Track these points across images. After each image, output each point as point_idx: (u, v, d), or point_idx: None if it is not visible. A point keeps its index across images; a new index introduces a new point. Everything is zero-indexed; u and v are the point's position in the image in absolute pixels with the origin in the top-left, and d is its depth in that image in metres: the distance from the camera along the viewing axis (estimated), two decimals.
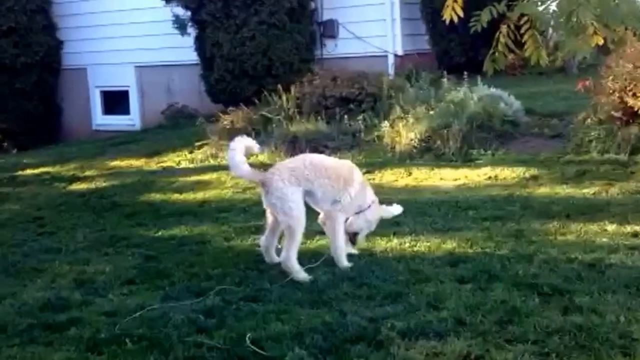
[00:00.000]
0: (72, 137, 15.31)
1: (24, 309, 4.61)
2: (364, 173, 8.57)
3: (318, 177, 5.05)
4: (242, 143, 5.09)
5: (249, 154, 5.20)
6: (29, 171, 10.90)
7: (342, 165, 5.34)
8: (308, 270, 4.94)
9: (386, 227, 6.06)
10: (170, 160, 10.67)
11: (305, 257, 5.13)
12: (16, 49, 14.96)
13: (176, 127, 13.41)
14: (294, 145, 10.15)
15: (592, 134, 8.18)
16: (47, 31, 15.44)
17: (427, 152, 8.95)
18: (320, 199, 5.12)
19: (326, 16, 13.38)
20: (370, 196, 5.31)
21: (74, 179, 9.88)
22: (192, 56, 13.52)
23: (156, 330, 4.06)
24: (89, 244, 6.34)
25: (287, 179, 4.97)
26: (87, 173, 10.18)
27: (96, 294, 4.84)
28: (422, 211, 6.59)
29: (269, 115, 11.00)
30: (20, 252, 6.21)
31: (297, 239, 4.97)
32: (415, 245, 5.48)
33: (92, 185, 9.37)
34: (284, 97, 11.12)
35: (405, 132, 9.24)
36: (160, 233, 6.62)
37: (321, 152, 9.90)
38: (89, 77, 15.88)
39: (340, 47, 13.24)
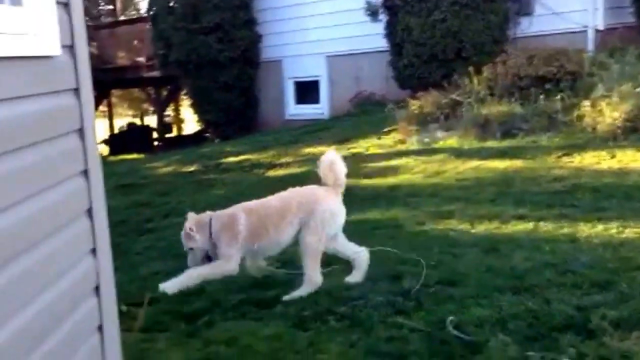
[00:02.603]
0: (268, 127, 16.10)
1: (234, 286, 4.90)
2: (561, 155, 8.23)
3: None
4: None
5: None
6: (231, 159, 11.63)
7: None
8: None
9: (589, 212, 5.77)
10: (360, 146, 10.86)
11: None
12: (220, 44, 15.92)
13: (364, 114, 13.63)
14: (485, 128, 9.92)
15: None
16: (248, 26, 16.27)
17: (633, 133, 8.33)
18: None
19: None
20: None
21: (272, 165, 10.40)
22: (380, 43, 13.65)
23: (357, 310, 4.17)
24: None
25: None
26: (283, 160, 10.66)
27: (299, 274, 5.05)
28: (629, 195, 6.18)
29: (459, 99, 10.83)
30: None
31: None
32: (623, 232, 5.15)
33: (288, 172, 9.80)
34: (474, 80, 10.89)
35: (608, 112, 8.67)
36: (353, 217, 6.74)
37: (514, 135, 9.61)
38: (283, 69, 16.59)
39: (536, 25, 12.66)
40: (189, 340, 4.05)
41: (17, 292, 2.07)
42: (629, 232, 5.11)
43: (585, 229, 5.32)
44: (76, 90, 2.53)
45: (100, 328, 2.69)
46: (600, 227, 5.33)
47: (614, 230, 5.21)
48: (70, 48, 2.48)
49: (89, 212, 2.60)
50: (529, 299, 4.03)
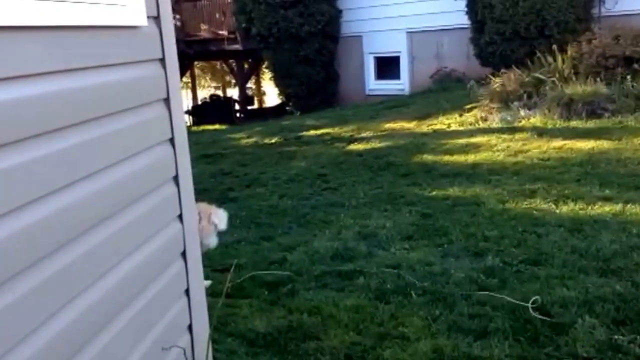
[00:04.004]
0: (348, 101, 16.12)
1: (316, 257, 5.00)
2: None
3: None
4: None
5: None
6: (312, 132, 11.72)
7: None
8: None
9: None
10: (440, 122, 10.77)
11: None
12: (301, 19, 15.99)
13: (444, 91, 13.47)
14: (569, 108, 9.67)
15: None
16: (328, 1, 16.28)
17: None
18: None
19: None
20: None
21: (352, 139, 10.43)
22: (461, 20, 13.45)
23: (439, 285, 4.20)
24: (368, 200, 6.70)
25: None
26: (363, 134, 10.67)
27: (379, 247, 5.11)
28: None
29: (542, 77, 10.58)
30: (309, 205, 6.75)
31: None
32: None
33: (368, 146, 9.82)
34: (559, 58, 10.63)
35: None
36: (434, 193, 6.76)
37: (599, 115, 9.33)
38: (363, 44, 16.55)
39: (621, 4, 12.25)
40: (272, 307, 4.13)
41: (110, 251, 2.17)
42: None
43: None
44: (162, 60, 2.59)
45: (187, 291, 2.77)
46: None
47: None
48: (156, 19, 2.54)
49: (176, 178, 2.68)
50: (616, 282, 3.96)
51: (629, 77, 9.55)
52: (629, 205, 5.53)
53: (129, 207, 2.32)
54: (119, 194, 2.25)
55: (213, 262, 4.92)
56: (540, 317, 3.58)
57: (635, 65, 9.77)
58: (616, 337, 3.28)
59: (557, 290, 3.91)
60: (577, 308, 3.64)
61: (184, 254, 2.76)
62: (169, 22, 2.65)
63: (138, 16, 2.38)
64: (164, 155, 2.62)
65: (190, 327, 2.79)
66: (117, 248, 2.23)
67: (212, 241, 4.45)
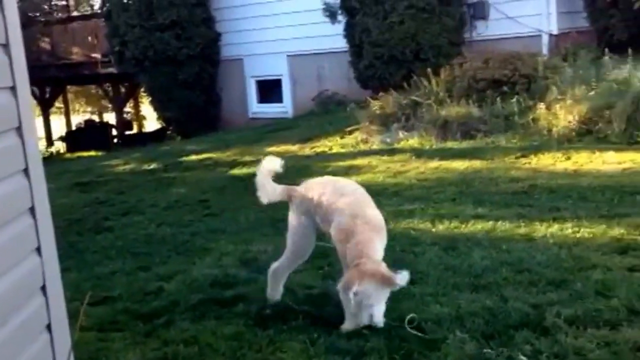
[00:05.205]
0: (231, 125, 16.06)
1: (194, 285, 4.89)
2: (519, 157, 8.37)
3: None
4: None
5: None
6: (193, 157, 11.56)
7: None
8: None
9: (545, 212, 5.89)
10: (323, 145, 10.91)
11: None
12: (179, 42, 15.86)
13: (326, 114, 13.68)
14: (445, 129, 10.05)
15: None
16: (206, 24, 16.27)
17: (587, 135, 8.56)
18: None
19: None
20: None
21: (235, 164, 10.36)
22: (341, 43, 13.72)
23: (319, 308, 4.19)
24: (250, 225, 6.64)
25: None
26: (246, 158, 10.63)
27: (260, 272, 5.02)
28: (583, 196, 6.32)
29: (419, 100, 10.95)
30: (188, 232, 6.62)
31: None
32: (578, 232, 5.26)
33: (251, 170, 9.67)
34: (433, 81, 11.03)
35: (563, 114, 8.88)
36: None
37: (473, 136, 9.75)
38: (245, 68, 16.56)
39: (491, 29, 12.90)
40: (147, 340, 4.01)
41: None
42: (584, 232, 5.23)
43: (542, 229, 5.43)
44: (12, 89, 2.53)
45: (49, 327, 2.69)
46: (555, 226, 5.44)
47: (569, 230, 5.32)
48: (4, 46, 2.48)
49: (32, 210, 2.61)
50: (486, 297, 4.10)
51: (498, 99, 10.04)
52: (499, 222, 5.77)
53: None
54: None
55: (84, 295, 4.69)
56: (417, 333, 3.63)
57: (504, 88, 10.29)
58: (485, 350, 3.38)
59: (431, 307, 4.01)
60: (449, 324, 3.74)
61: (43, 288, 2.66)
62: (19, 49, 2.57)
63: None
64: (17, 187, 2.53)
65: None
66: None
67: None
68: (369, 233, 3.89)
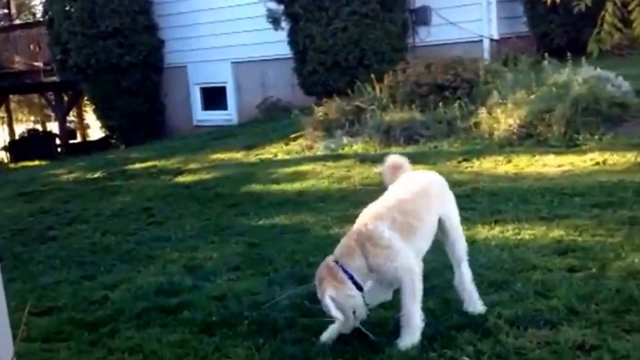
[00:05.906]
0: (175, 133, 15.92)
1: (139, 293, 4.85)
2: (461, 161, 8.53)
3: None
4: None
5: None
6: (137, 165, 11.43)
7: None
8: None
9: (487, 215, 6.01)
10: (268, 152, 10.92)
11: None
12: (121, 49, 15.66)
13: (271, 120, 13.69)
14: (388, 135, 10.16)
15: None
16: (149, 31, 16.13)
17: (528, 138, 8.75)
18: None
19: (418, 3, 13.29)
20: None
21: (179, 171, 10.28)
22: (285, 50, 13.75)
23: (264, 314, 4.19)
24: (195, 233, 6.61)
25: None
26: (191, 166, 10.56)
27: (205, 279, 5.03)
28: (524, 199, 6.46)
29: (363, 106, 11.05)
30: (133, 241, 6.55)
31: None
32: (519, 234, 5.36)
33: (196, 177, 9.72)
34: (377, 87, 11.14)
35: (504, 118, 9.08)
36: (261, 222, 6.80)
37: (416, 141, 9.88)
38: (189, 75, 16.44)
39: (434, 34, 13.12)
40: (92, 349, 3.99)
41: None
42: (524, 234, 5.33)
43: (483, 231, 5.52)
44: None
45: None
46: (497, 229, 5.54)
47: (510, 232, 5.42)
48: None
49: None
50: (429, 299, 4.15)
51: (440, 104, 10.20)
52: None
53: None
54: None
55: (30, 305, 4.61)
56: (367, 332, 3.66)
57: (446, 93, 10.45)
58: (428, 353, 3.43)
59: (375, 312, 4.01)
60: (393, 326, 3.77)
61: None
62: None
63: None
64: None
65: None
66: None
67: None
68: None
